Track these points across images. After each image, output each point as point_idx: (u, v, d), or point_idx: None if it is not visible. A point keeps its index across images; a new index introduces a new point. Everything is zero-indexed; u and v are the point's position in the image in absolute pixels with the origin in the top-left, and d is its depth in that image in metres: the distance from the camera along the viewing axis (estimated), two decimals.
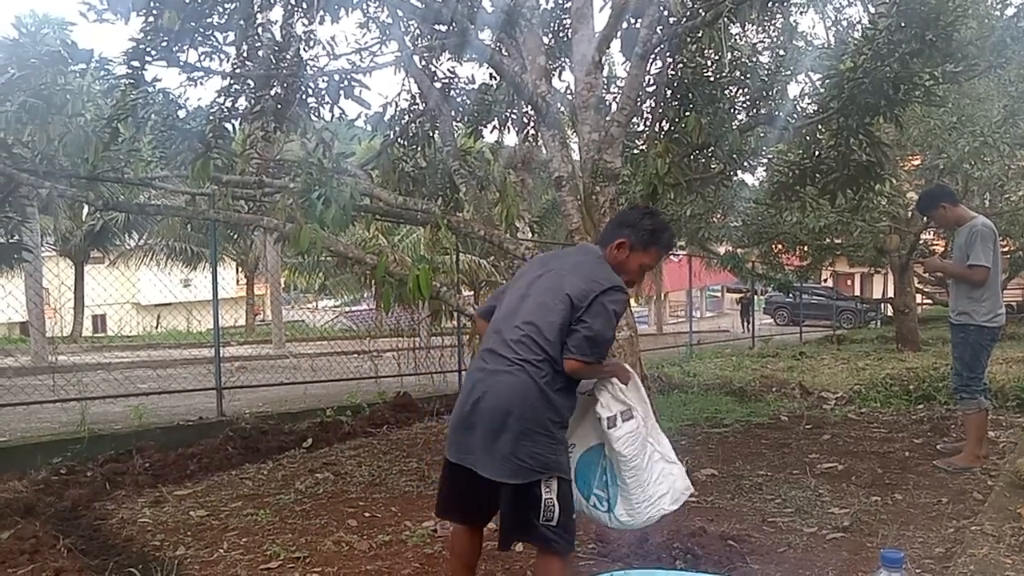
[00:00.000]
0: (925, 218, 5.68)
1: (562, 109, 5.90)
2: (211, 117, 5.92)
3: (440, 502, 3.03)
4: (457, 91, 7.92)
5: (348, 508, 4.76)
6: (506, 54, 6.27)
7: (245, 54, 6.07)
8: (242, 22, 5.83)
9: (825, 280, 29.25)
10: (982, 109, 11.66)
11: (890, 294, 16.73)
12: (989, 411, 5.59)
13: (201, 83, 6.15)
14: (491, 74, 7.66)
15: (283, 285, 26.28)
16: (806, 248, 16.29)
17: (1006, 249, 15.84)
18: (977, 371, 5.26)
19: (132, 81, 5.47)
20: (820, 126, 6.64)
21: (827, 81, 6.25)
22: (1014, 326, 17.29)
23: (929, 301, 21.67)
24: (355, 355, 10.43)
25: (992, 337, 5.27)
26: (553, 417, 2.68)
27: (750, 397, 8.74)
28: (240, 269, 30.07)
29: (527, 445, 2.61)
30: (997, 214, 13.83)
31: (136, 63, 5.40)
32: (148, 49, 5.34)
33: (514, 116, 8.05)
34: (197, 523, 4.54)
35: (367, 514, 4.64)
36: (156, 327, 20.90)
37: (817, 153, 6.83)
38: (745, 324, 26.19)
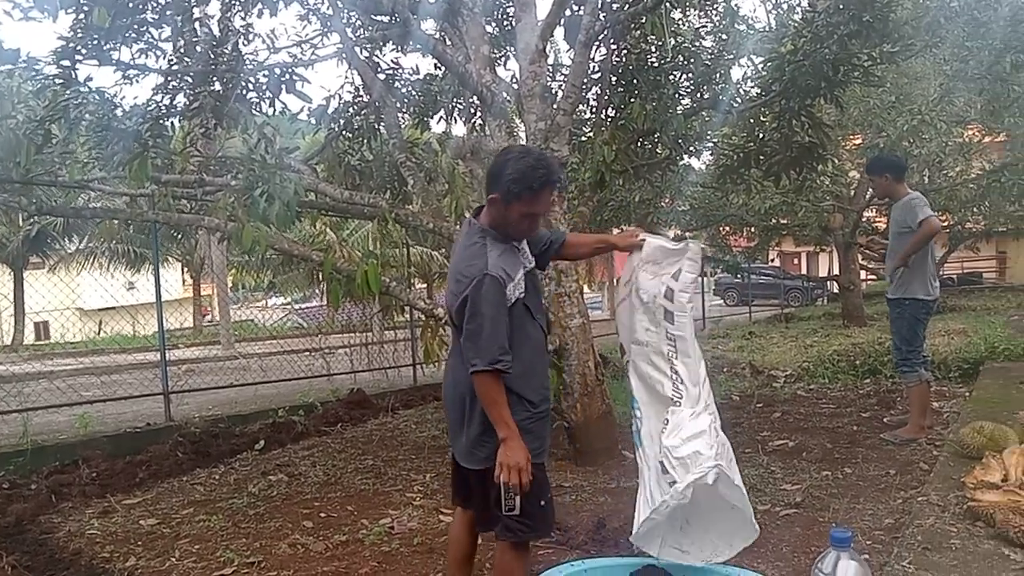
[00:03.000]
0: (870, 183, 5.87)
1: (508, 98, 5.87)
2: (148, 115, 5.78)
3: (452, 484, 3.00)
4: (402, 82, 7.85)
5: (303, 509, 4.70)
6: (450, 44, 6.23)
7: (182, 50, 5.93)
8: (178, 18, 5.69)
9: (772, 260, 29.72)
10: (919, 88, 11.92)
11: (835, 271, 17.07)
12: (931, 383, 5.73)
13: (137, 81, 6.00)
14: (436, 64, 7.60)
15: (231, 284, 25.86)
16: (753, 229, 16.54)
17: (944, 224, 16.24)
18: (916, 344, 5.38)
19: (63, 81, 5.30)
20: (763, 109, 6.72)
21: (769, 64, 6.33)
22: (954, 298, 17.77)
23: (873, 277, 22.15)
24: (307, 353, 10.28)
25: (927, 310, 5.39)
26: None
27: None
28: (186, 269, 29.52)
29: (479, 431, 2.60)
30: (936, 190, 14.19)
31: (67, 62, 5.24)
32: (78, 48, 5.19)
33: (460, 106, 8.00)
34: (148, 532, 4.44)
35: (322, 515, 4.58)
36: (99, 332, 20.39)
37: (761, 136, 6.91)
38: None
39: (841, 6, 5.57)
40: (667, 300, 2.78)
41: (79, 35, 5.14)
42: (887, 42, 6.34)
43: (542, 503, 2.63)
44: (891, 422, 5.94)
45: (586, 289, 26.74)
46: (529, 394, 2.63)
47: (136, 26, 5.55)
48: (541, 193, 2.59)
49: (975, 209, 16.10)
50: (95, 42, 5.26)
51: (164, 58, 5.92)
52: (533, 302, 2.73)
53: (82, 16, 5.07)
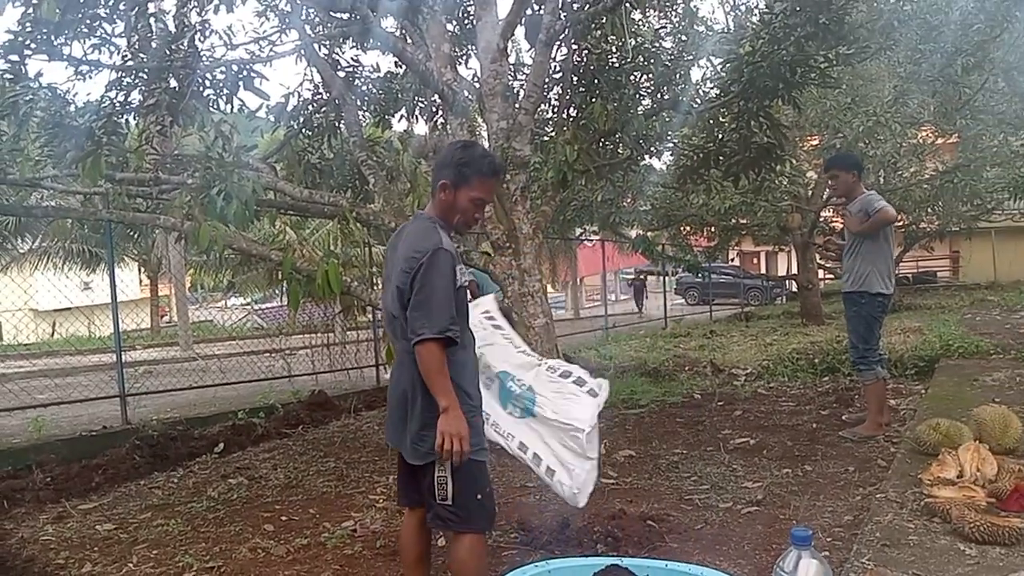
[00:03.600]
0: (832, 179, 5.80)
1: (469, 97, 5.85)
2: (102, 112, 5.65)
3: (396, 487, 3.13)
4: (362, 80, 7.79)
5: (264, 513, 4.64)
6: (410, 42, 6.20)
7: (136, 46, 5.81)
8: (131, 12, 5.58)
9: (732, 259, 30.04)
10: (874, 90, 12.12)
11: (794, 271, 17.30)
12: (888, 380, 5.81)
13: (90, 77, 5.86)
14: (396, 62, 7.55)
15: (189, 284, 25.46)
16: (713, 229, 16.68)
17: (900, 224, 16.54)
18: (872, 341, 5.43)
19: (12, 76, 5.17)
20: (722, 110, 6.78)
21: (728, 65, 6.38)
22: (909, 297, 18.12)
23: (831, 276, 22.47)
24: (267, 354, 10.15)
25: (883, 306, 5.44)
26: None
27: (664, 377, 8.89)
28: (143, 269, 28.99)
29: (419, 426, 2.64)
30: (891, 190, 14.42)
31: (15, 57, 5.10)
32: (27, 42, 5.06)
33: (422, 105, 7.96)
34: (104, 537, 4.35)
35: (284, 518, 4.53)
36: (53, 334, 19.95)
37: (720, 136, 6.97)
38: (639, 306, 26.67)
39: (798, 8, 5.64)
40: (488, 320, 3.39)
41: (27, 29, 5.01)
42: (843, 44, 6.43)
43: (478, 496, 2.67)
44: (849, 420, 6.02)
45: (550, 289, 26.83)
46: (467, 386, 2.69)
47: (88, 20, 5.42)
48: (490, 179, 2.77)
49: (929, 209, 16.40)
50: (44, 36, 5.13)
51: (118, 54, 5.80)
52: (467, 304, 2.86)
53: (30, 10, 4.95)
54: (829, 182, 5.81)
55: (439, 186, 2.72)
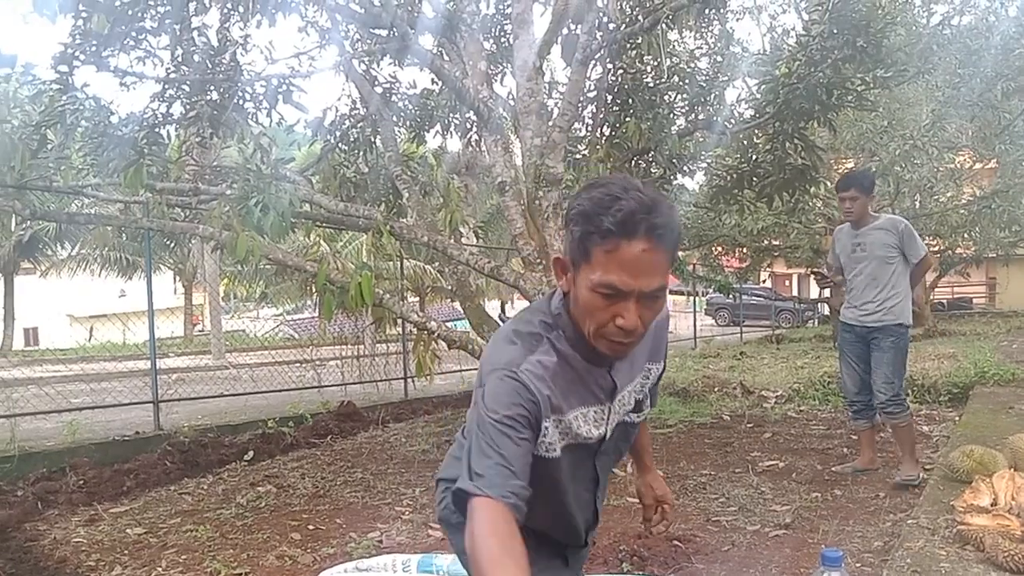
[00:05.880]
0: (851, 202, 5.03)
1: (504, 114, 5.91)
2: (144, 123, 5.80)
3: None
4: (398, 96, 7.89)
5: (291, 521, 4.67)
6: (447, 59, 6.27)
7: (180, 59, 5.96)
8: (176, 26, 5.72)
9: (764, 281, 29.80)
10: (911, 113, 12.03)
11: (826, 294, 17.12)
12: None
13: (134, 88, 6.02)
14: (433, 79, 7.64)
15: (223, 294, 25.80)
16: (745, 250, 16.59)
17: (936, 248, 16.34)
18: (904, 376, 5.05)
19: (60, 87, 5.32)
20: (757, 131, 6.78)
21: (763, 87, 6.39)
22: (944, 323, 17.85)
23: None
24: (297, 364, 10.25)
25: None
26: None
27: (693, 397, 8.83)
28: (178, 278, 29.44)
29: None
30: (927, 215, 14.28)
31: (64, 68, 5.25)
32: (76, 53, 5.21)
33: (457, 121, 8.04)
34: (134, 541, 4.41)
35: (311, 527, 4.56)
36: (89, 339, 20.28)
37: (754, 157, 6.96)
38: None
39: (835, 31, 5.64)
40: None
41: (77, 40, 5.17)
42: (880, 67, 6.40)
43: None
44: (843, 471, 5.32)
45: None
46: None
47: (134, 33, 5.58)
48: (619, 243, 1.35)
49: (966, 235, 16.19)
50: (93, 48, 5.29)
51: (162, 66, 5.96)
52: (579, 475, 1.65)
53: (80, 22, 5.10)
54: (844, 203, 5.12)
55: (553, 263, 1.57)
